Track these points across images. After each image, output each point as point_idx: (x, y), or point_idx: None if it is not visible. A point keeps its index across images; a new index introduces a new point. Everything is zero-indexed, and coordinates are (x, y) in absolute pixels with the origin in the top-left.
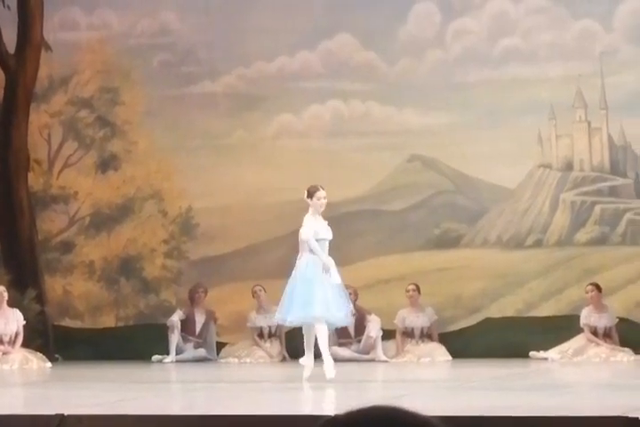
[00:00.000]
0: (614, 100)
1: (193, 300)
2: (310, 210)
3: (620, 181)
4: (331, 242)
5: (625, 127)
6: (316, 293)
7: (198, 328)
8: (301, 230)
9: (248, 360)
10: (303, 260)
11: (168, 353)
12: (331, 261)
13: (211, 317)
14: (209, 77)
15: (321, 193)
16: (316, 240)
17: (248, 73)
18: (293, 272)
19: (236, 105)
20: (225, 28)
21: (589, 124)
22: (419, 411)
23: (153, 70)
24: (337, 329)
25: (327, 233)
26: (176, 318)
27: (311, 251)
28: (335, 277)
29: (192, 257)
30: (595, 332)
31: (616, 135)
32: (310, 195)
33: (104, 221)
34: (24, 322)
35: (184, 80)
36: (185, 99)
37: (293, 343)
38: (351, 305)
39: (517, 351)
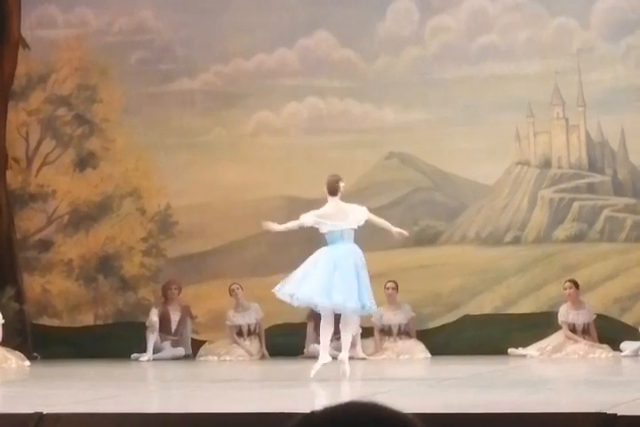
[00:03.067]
0: (592, 97)
1: (166, 297)
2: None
3: (597, 177)
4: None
5: (602, 124)
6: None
7: (174, 326)
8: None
9: (228, 358)
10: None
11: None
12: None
13: (186, 312)
14: (187, 75)
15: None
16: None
17: (226, 70)
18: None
19: (213, 102)
20: (203, 25)
21: (567, 121)
22: (397, 408)
23: (131, 68)
24: (316, 326)
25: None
26: (155, 318)
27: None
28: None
29: (170, 255)
30: (573, 329)
31: (594, 132)
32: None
33: (82, 219)
34: (2, 321)
35: (162, 78)
36: (163, 96)
37: (272, 341)
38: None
39: (496, 348)
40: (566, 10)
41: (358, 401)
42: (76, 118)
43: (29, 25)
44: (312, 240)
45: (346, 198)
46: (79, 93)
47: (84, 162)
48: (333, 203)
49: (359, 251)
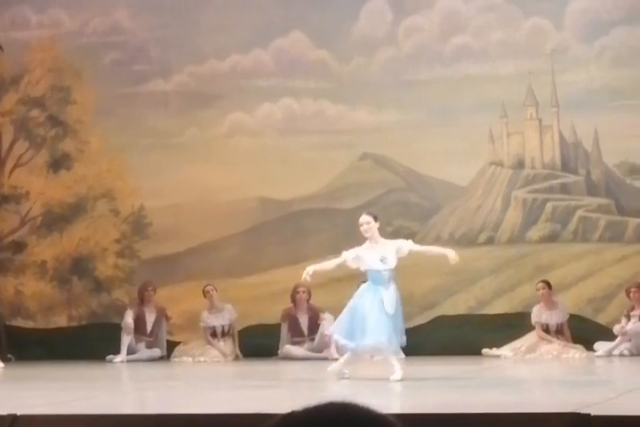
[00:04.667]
0: (565, 97)
1: (142, 298)
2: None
3: (571, 178)
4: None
5: (576, 125)
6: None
7: (149, 327)
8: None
9: (202, 359)
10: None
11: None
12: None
13: (162, 314)
14: (161, 76)
15: (362, 218)
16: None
17: (200, 71)
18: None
19: (188, 103)
20: (177, 26)
21: (540, 121)
22: (375, 408)
23: (105, 69)
24: (291, 327)
25: (381, 264)
26: (130, 320)
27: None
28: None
29: (144, 256)
30: (546, 329)
31: (567, 133)
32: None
33: (56, 220)
34: None
35: (136, 78)
36: (137, 97)
37: (246, 342)
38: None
39: (470, 349)
40: (540, 11)
41: (338, 402)
42: (50, 119)
43: (2, 26)
44: (287, 242)
45: (319, 200)
46: (53, 94)
47: (58, 163)
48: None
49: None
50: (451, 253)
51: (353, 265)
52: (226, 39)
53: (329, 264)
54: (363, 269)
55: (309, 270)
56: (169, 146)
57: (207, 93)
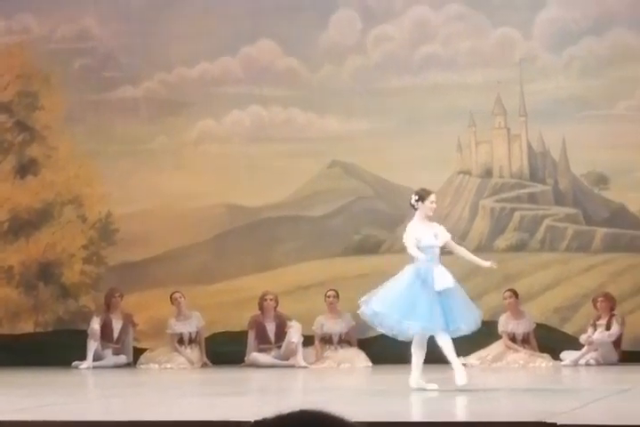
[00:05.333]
0: (533, 107)
1: (109, 305)
2: (417, 215)
3: (538, 187)
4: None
5: (544, 134)
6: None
7: (116, 334)
8: (404, 238)
9: (169, 366)
10: (406, 268)
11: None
12: (437, 268)
13: (128, 320)
14: (130, 82)
15: (434, 196)
16: (421, 247)
17: (169, 78)
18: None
19: (157, 110)
20: (146, 33)
21: (509, 130)
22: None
23: (73, 75)
24: (258, 335)
25: (433, 239)
26: (97, 326)
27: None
28: (438, 282)
29: (111, 263)
30: (513, 338)
31: (535, 142)
32: (423, 198)
33: (23, 226)
34: None
35: (105, 85)
36: (106, 104)
37: (213, 349)
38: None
39: (437, 357)
40: (509, 20)
41: (310, 409)
42: (17, 125)
43: None
44: (255, 250)
45: (288, 207)
46: (20, 100)
47: (25, 169)
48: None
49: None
50: (485, 264)
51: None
52: (195, 47)
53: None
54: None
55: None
56: (138, 153)
57: (176, 101)
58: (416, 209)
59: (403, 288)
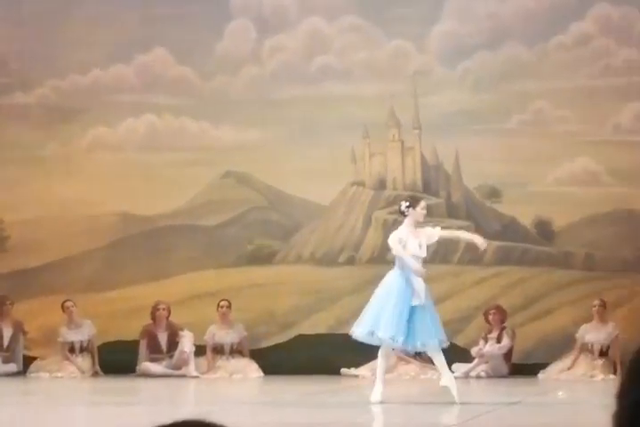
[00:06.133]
0: (427, 119)
1: (0, 313)
2: (406, 222)
3: (432, 200)
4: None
5: (437, 147)
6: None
7: (6, 342)
8: (391, 245)
9: (59, 375)
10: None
11: None
12: (417, 281)
13: (19, 328)
14: (21, 89)
15: (424, 203)
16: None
17: (62, 85)
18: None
19: (49, 117)
20: (38, 39)
21: (403, 143)
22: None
23: None
24: (150, 344)
25: (417, 249)
26: None
27: (402, 266)
28: (417, 298)
29: (2, 270)
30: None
31: (429, 155)
32: (413, 204)
33: None
34: None
35: None
36: None
37: (105, 358)
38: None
39: (329, 368)
40: (403, 33)
41: (193, 419)
42: None
43: None
44: (148, 258)
45: (181, 216)
46: None
47: None
48: None
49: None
50: (479, 240)
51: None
52: (87, 54)
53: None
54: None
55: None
56: (29, 159)
57: (68, 107)
58: (406, 216)
59: (393, 304)
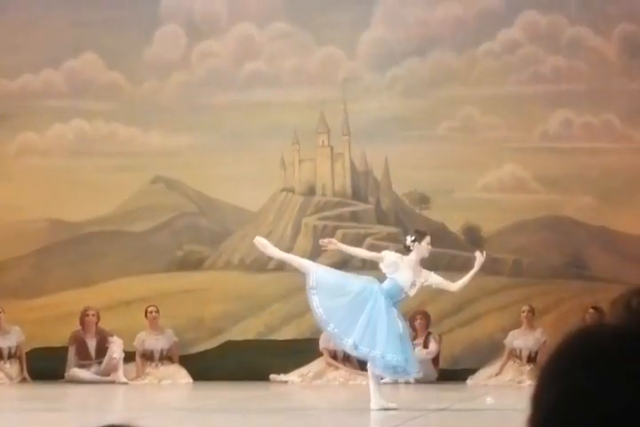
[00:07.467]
0: (357, 126)
1: None
2: (412, 257)
3: (361, 206)
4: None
5: (367, 153)
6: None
7: None
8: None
9: None
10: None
11: None
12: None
13: None
14: None
15: (429, 238)
16: (395, 281)
17: None
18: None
19: None
20: None
21: (332, 149)
22: None
23: None
24: (78, 350)
25: (408, 286)
26: None
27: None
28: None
29: None
30: (334, 355)
31: (358, 161)
32: (419, 239)
33: None
34: None
35: None
36: None
37: (33, 364)
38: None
39: (258, 374)
40: (333, 39)
41: (119, 424)
42: None
43: None
44: (76, 264)
45: (110, 222)
46: None
47: None
48: None
49: None
50: (481, 261)
51: (386, 268)
52: (16, 59)
53: (358, 251)
54: (391, 276)
55: (335, 242)
56: None
57: None
58: (410, 250)
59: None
